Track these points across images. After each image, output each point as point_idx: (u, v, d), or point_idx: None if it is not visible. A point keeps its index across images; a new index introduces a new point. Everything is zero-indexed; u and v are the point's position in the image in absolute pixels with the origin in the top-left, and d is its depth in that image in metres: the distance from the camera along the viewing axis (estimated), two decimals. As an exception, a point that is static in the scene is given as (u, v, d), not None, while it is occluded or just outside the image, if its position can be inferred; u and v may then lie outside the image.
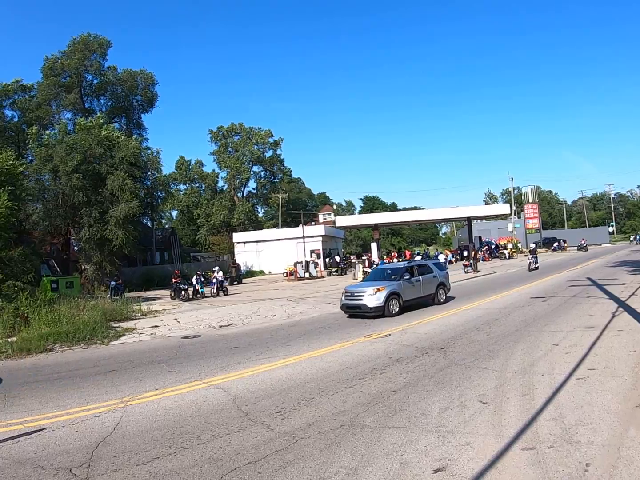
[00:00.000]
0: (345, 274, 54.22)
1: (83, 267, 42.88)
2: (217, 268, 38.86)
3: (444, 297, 22.91)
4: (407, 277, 21.26)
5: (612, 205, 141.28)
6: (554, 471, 5.84)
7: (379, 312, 19.40)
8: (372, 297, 19.46)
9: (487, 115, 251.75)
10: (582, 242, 74.19)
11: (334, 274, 54.71)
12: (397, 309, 19.98)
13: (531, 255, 42.38)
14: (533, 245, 46.67)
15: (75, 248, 45.71)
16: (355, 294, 20.33)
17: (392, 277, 21.56)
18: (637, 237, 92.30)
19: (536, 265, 41.00)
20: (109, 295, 31.98)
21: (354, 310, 20.20)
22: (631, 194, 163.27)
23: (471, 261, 44.94)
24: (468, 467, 6.12)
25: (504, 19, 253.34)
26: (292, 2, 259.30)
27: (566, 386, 9.05)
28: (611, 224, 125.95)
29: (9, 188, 26.02)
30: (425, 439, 7.08)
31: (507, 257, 63.70)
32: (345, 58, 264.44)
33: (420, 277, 21.93)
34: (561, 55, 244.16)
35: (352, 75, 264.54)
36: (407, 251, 70.01)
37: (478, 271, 43.09)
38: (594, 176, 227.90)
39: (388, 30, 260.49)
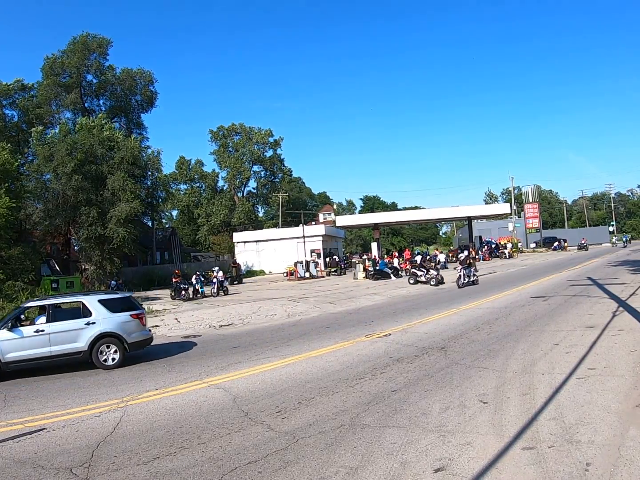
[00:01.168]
0: (345, 273, 54.19)
1: (83, 266, 42.89)
2: (217, 268, 38.88)
3: (116, 359, 13.79)
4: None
5: (613, 205, 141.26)
6: (554, 471, 5.85)
7: None
8: None
9: (487, 116, 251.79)
10: (583, 242, 74.09)
11: (334, 273, 54.67)
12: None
13: (461, 267, 31.13)
14: (464, 254, 34.57)
15: (76, 248, 45.76)
16: None
17: None
18: (625, 239, 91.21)
19: (471, 280, 30.90)
20: (109, 295, 31.96)
21: None
22: (631, 194, 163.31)
23: (461, 272, 31.17)
24: (468, 466, 6.13)
25: (506, 24, 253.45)
26: (294, 5, 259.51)
27: (566, 386, 9.06)
28: (611, 223, 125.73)
29: (5, 185, 25.99)
30: (426, 438, 7.08)
31: (507, 257, 63.64)
32: (348, 61, 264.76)
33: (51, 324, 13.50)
34: (563, 58, 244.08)
35: (354, 78, 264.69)
36: (407, 250, 69.86)
37: (476, 272, 42.89)
38: (595, 176, 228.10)
39: (391, 35, 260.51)
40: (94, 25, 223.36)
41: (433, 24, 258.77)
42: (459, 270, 30.78)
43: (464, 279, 30.40)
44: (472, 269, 31.06)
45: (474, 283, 30.82)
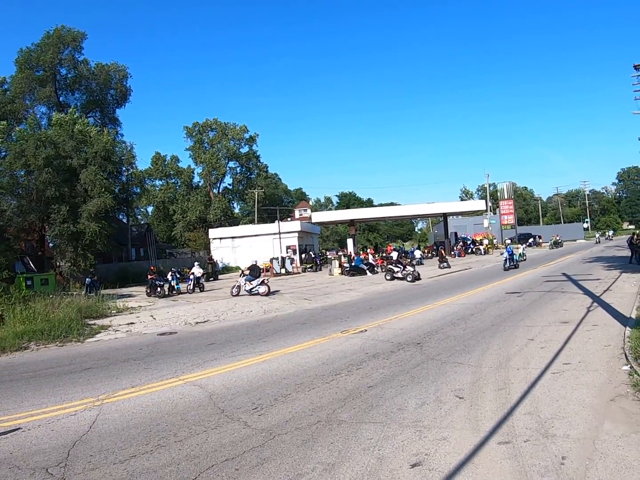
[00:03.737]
0: (322, 269, 54.19)
1: (58, 263, 42.46)
2: (197, 263, 38.70)
3: None
4: None
5: (587, 202, 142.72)
6: (530, 464, 5.87)
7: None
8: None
9: (463, 113, 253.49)
10: (557, 238, 74.71)
11: (310, 270, 54.67)
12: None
13: (393, 265, 35.61)
14: (395, 254, 40.16)
15: (50, 245, 45.24)
16: None
17: None
18: (608, 235, 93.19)
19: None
20: (84, 292, 31.62)
21: None
22: (606, 191, 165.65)
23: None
24: (445, 461, 6.13)
25: (481, 22, 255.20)
26: (271, 2, 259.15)
27: (542, 380, 9.11)
28: (586, 220, 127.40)
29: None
30: (402, 434, 7.08)
31: (482, 253, 64.05)
32: (324, 58, 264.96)
33: None
34: (538, 56, 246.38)
35: (330, 75, 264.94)
36: (389, 246, 69.84)
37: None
38: (570, 173, 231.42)
39: (367, 32, 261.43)
40: (69, 19, 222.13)
41: (408, 21, 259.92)
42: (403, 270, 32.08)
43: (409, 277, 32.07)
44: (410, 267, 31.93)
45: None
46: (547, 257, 50.40)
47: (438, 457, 6.25)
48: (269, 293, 29.19)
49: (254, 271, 30.41)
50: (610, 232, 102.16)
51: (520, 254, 44.16)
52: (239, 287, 30.11)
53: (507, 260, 37.66)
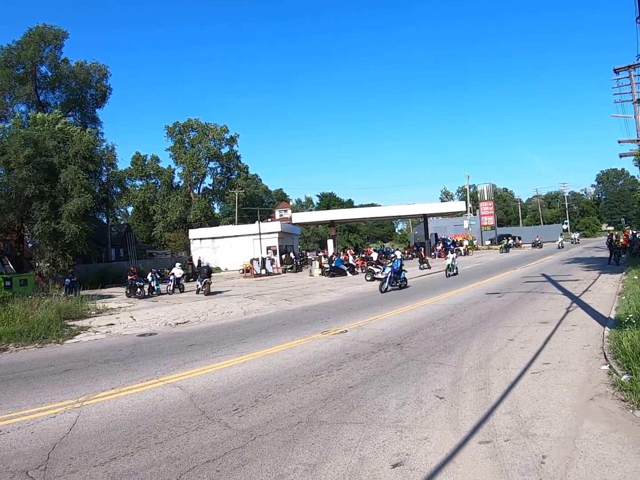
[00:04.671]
0: (302, 270, 54.22)
1: (37, 264, 42.15)
2: (178, 264, 38.58)
3: None
4: None
5: (567, 204, 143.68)
6: (511, 464, 5.89)
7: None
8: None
9: (443, 114, 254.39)
10: (537, 239, 75.07)
11: (290, 270, 54.66)
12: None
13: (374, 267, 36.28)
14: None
15: (29, 245, 44.90)
16: None
17: None
18: (574, 238, 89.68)
19: (398, 284, 28.38)
20: (63, 293, 31.36)
21: None
22: (585, 193, 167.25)
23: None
24: (426, 461, 6.14)
25: (461, 21, 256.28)
26: (250, 1, 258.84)
27: (522, 380, 9.15)
28: (565, 221, 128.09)
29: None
30: (383, 434, 7.07)
31: (462, 254, 64.31)
32: (305, 57, 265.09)
33: None
34: (519, 56, 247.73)
35: (309, 75, 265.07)
36: (368, 249, 70.09)
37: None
38: (549, 175, 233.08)
39: (349, 31, 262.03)
40: (46, 15, 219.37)
41: (389, 21, 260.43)
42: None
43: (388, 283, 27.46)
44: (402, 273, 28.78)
45: (400, 287, 28.20)
46: (527, 257, 50.62)
47: (419, 457, 6.25)
48: (208, 293, 32.38)
49: (203, 272, 34.23)
50: (576, 235, 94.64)
51: (449, 265, 34.82)
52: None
53: (387, 280, 27.46)
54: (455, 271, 35.25)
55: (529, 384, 8.91)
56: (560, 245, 71.67)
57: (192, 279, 46.92)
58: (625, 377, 8.42)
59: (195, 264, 49.30)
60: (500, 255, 59.21)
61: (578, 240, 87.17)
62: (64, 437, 7.75)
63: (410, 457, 6.27)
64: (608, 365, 9.55)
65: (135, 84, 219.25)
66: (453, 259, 35.77)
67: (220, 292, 33.35)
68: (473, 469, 5.85)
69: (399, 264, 28.40)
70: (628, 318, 11.38)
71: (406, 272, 29.59)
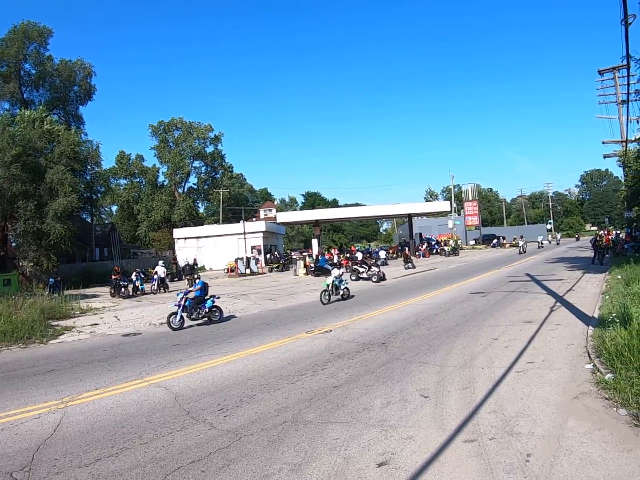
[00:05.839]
0: (288, 269, 54.18)
1: (21, 264, 41.91)
2: (161, 262, 38.50)
3: None
4: None
5: (550, 204, 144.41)
6: (496, 462, 5.91)
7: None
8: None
9: (428, 114, 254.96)
10: (518, 242, 72.83)
11: (276, 269, 54.66)
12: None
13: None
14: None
15: (13, 244, 44.62)
16: None
17: None
18: (558, 239, 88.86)
19: (341, 294, 24.17)
20: (47, 293, 31.19)
21: None
22: (569, 193, 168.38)
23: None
24: (411, 460, 6.15)
25: (445, 23, 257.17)
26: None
27: (506, 379, 9.18)
28: (549, 221, 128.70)
29: None
30: (368, 433, 7.07)
31: (447, 254, 64.45)
32: (289, 57, 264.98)
33: None
34: (502, 56, 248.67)
35: (293, 74, 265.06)
36: (352, 247, 70.29)
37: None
38: (534, 175, 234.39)
39: (332, 30, 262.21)
40: (32, 14, 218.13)
41: (372, 20, 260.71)
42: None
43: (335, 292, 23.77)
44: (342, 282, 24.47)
45: (343, 298, 23.89)
46: (510, 257, 50.68)
47: (404, 456, 6.26)
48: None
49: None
50: (558, 235, 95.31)
51: (329, 285, 23.63)
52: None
53: (174, 317, 18.49)
54: (342, 293, 24.17)
55: (513, 383, 8.93)
56: (540, 244, 72.73)
57: (176, 279, 46.84)
58: (608, 375, 8.46)
59: (182, 264, 49.05)
60: (484, 255, 59.39)
61: (555, 240, 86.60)
62: (48, 438, 7.69)
63: (396, 456, 6.27)
64: (592, 364, 9.59)
65: (119, 82, 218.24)
66: (337, 276, 24.26)
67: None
68: (458, 468, 5.86)
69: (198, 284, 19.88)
70: (611, 317, 11.42)
71: (347, 282, 25.37)
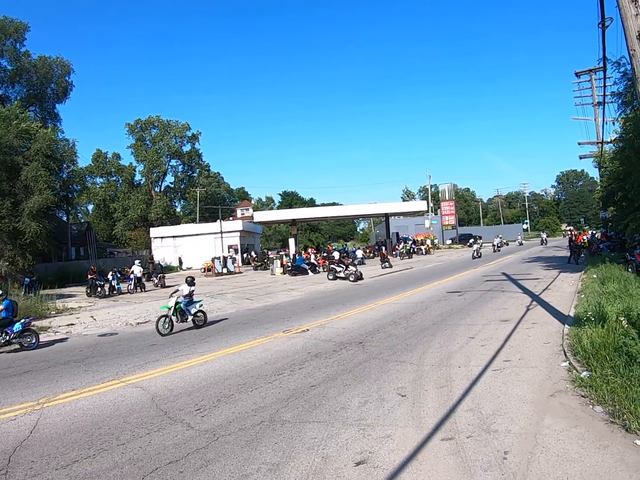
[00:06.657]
0: (266, 269, 54.12)
1: (-4, 263, 41.48)
2: (138, 262, 38.25)
3: None
4: None
5: (527, 204, 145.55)
6: (474, 460, 5.94)
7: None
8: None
9: (405, 114, 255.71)
10: (498, 243, 71.38)
11: (260, 268, 54.70)
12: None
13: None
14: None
15: (-12, 244, 44.17)
16: None
17: None
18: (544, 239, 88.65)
19: None
20: (23, 293, 30.88)
21: None
22: (545, 193, 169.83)
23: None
24: (389, 458, 6.16)
25: (423, 23, 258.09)
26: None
27: (483, 378, 9.23)
28: (525, 221, 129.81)
29: None
30: (346, 432, 7.08)
31: (424, 253, 64.70)
32: (266, 55, 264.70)
33: None
34: (480, 57, 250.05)
35: (271, 74, 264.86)
36: (329, 246, 70.48)
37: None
38: (510, 175, 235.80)
39: (310, 30, 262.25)
40: (10, 11, 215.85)
41: (351, 20, 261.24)
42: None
43: None
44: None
45: (197, 325, 17.93)
46: (487, 257, 50.87)
47: (382, 455, 6.27)
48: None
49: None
50: (544, 235, 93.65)
51: (176, 308, 17.58)
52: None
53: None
54: (192, 319, 17.94)
55: (490, 381, 8.98)
56: (519, 242, 76.67)
57: (152, 278, 46.68)
58: (584, 373, 8.53)
59: (155, 262, 48.84)
60: (461, 254, 59.67)
61: (546, 240, 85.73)
62: (25, 440, 7.62)
63: (374, 455, 6.28)
64: (568, 362, 9.66)
65: (97, 80, 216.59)
66: (186, 295, 18.04)
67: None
68: (436, 466, 5.88)
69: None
70: (587, 316, 11.53)
71: (202, 302, 18.64)
